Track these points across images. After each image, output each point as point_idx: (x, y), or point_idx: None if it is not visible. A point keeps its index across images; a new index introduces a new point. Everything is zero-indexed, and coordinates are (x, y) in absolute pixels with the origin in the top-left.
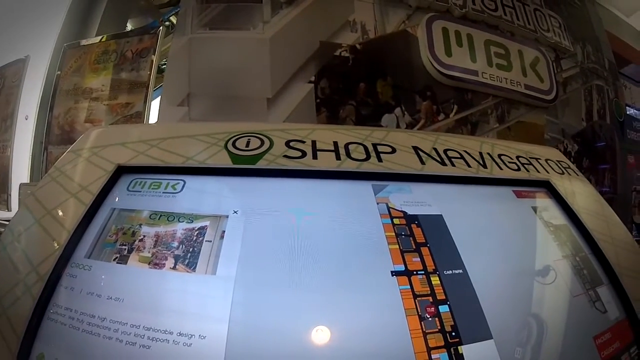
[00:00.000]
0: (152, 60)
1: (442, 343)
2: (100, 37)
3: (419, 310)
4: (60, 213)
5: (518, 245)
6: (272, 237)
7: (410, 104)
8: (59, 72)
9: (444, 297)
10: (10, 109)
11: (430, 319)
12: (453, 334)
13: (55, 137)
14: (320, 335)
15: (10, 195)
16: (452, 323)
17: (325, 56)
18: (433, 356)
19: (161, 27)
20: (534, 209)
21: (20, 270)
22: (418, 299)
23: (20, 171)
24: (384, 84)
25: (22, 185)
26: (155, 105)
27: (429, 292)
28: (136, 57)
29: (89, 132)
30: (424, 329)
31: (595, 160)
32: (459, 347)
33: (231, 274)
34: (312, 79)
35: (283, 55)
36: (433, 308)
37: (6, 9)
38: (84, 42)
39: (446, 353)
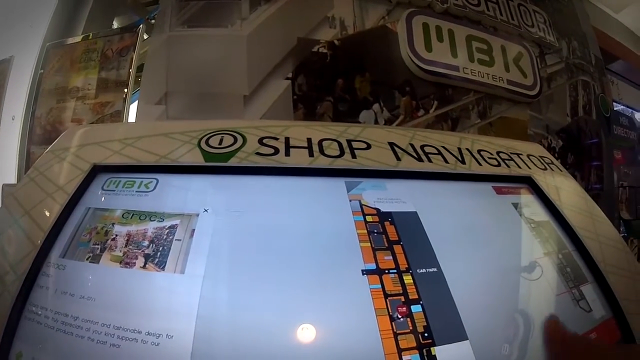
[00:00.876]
0: (132, 59)
1: (414, 344)
2: (80, 36)
3: (390, 310)
4: (37, 213)
5: (497, 243)
6: (241, 235)
7: (389, 100)
8: (41, 72)
9: (416, 297)
10: None
11: (401, 319)
12: (425, 334)
13: (37, 137)
14: (288, 335)
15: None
16: (425, 323)
17: (302, 52)
18: (404, 358)
19: (141, 26)
20: (515, 205)
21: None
22: (389, 298)
23: (8, 172)
24: (362, 79)
25: (4, 186)
26: (135, 104)
27: (401, 292)
28: (116, 55)
29: (67, 132)
30: (394, 330)
31: (580, 156)
32: (431, 349)
33: (199, 273)
34: (290, 75)
35: (260, 52)
36: (405, 308)
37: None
38: (69, 40)
39: (418, 355)
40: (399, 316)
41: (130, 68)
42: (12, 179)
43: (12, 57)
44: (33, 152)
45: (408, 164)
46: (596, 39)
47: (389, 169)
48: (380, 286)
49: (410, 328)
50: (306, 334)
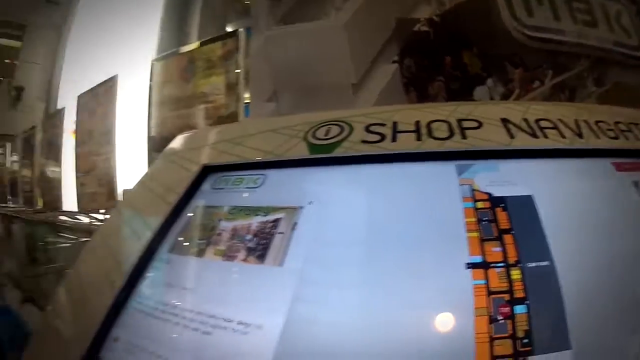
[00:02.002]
0: (238, 62)
1: (511, 351)
2: (184, 47)
3: (491, 311)
4: (149, 213)
5: (619, 232)
6: (343, 228)
7: (501, 73)
8: (151, 83)
9: (522, 295)
10: (108, 123)
11: (502, 321)
12: (525, 341)
13: (156, 145)
14: (376, 332)
15: (116, 200)
16: (527, 327)
17: (404, 33)
18: None
19: (241, 29)
20: (636, 183)
21: (106, 266)
22: (492, 296)
23: (130, 180)
24: (470, 54)
25: (124, 191)
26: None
27: (507, 289)
28: (222, 60)
29: (178, 137)
30: (492, 333)
31: None
32: (528, 358)
33: (297, 266)
34: (396, 58)
35: (361, 39)
36: (508, 308)
37: (99, 29)
38: (181, 50)
39: None
40: (500, 317)
41: (238, 71)
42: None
43: (116, 76)
44: (153, 159)
45: (522, 141)
46: None
47: (501, 149)
48: (484, 282)
49: (510, 332)
50: (395, 331)
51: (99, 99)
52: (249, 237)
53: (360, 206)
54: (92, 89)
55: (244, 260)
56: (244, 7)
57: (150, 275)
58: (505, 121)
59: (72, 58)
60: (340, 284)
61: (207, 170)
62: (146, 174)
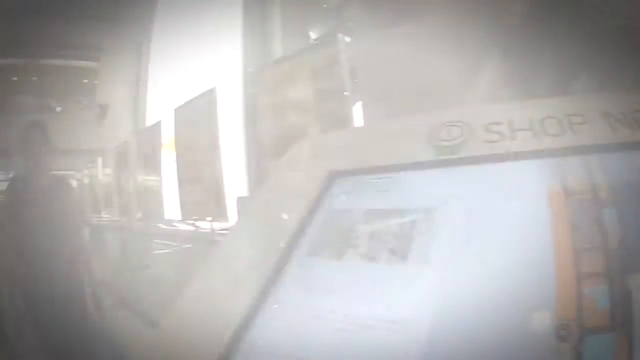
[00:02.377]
0: (341, 67)
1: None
2: (283, 56)
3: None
4: (278, 219)
5: None
6: (478, 225)
7: (598, 64)
8: (254, 91)
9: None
10: (212, 133)
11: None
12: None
13: (265, 152)
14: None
15: (225, 207)
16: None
17: (496, 28)
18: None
19: (338, 35)
20: None
21: (240, 271)
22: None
23: (236, 186)
24: (563, 46)
25: (239, 199)
26: (357, 109)
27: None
28: (324, 66)
29: (297, 144)
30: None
31: None
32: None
33: (440, 265)
34: (496, 54)
35: (462, 37)
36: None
37: (179, 43)
38: (275, 60)
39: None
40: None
41: (342, 76)
42: (240, 191)
43: (215, 88)
44: (263, 166)
45: (623, 135)
46: None
47: (604, 143)
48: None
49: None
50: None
51: (200, 110)
52: (387, 238)
53: (490, 205)
54: (190, 101)
55: (385, 261)
56: (325, 11)
57: (288, 279)
58: (607, 115)
59: (155, 73)
60: (480, 277)
61: (334, 175)
62: (268, 181)
